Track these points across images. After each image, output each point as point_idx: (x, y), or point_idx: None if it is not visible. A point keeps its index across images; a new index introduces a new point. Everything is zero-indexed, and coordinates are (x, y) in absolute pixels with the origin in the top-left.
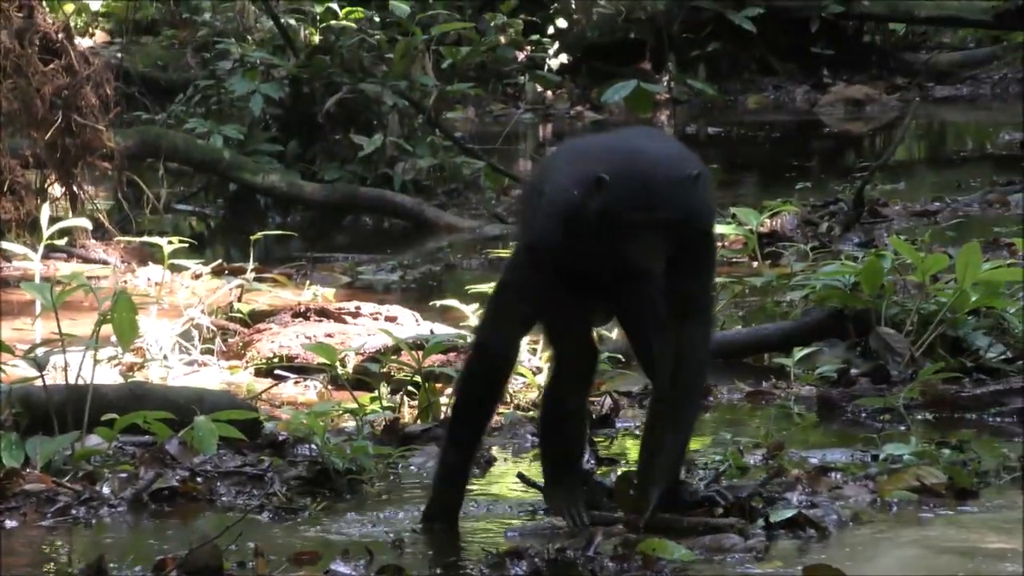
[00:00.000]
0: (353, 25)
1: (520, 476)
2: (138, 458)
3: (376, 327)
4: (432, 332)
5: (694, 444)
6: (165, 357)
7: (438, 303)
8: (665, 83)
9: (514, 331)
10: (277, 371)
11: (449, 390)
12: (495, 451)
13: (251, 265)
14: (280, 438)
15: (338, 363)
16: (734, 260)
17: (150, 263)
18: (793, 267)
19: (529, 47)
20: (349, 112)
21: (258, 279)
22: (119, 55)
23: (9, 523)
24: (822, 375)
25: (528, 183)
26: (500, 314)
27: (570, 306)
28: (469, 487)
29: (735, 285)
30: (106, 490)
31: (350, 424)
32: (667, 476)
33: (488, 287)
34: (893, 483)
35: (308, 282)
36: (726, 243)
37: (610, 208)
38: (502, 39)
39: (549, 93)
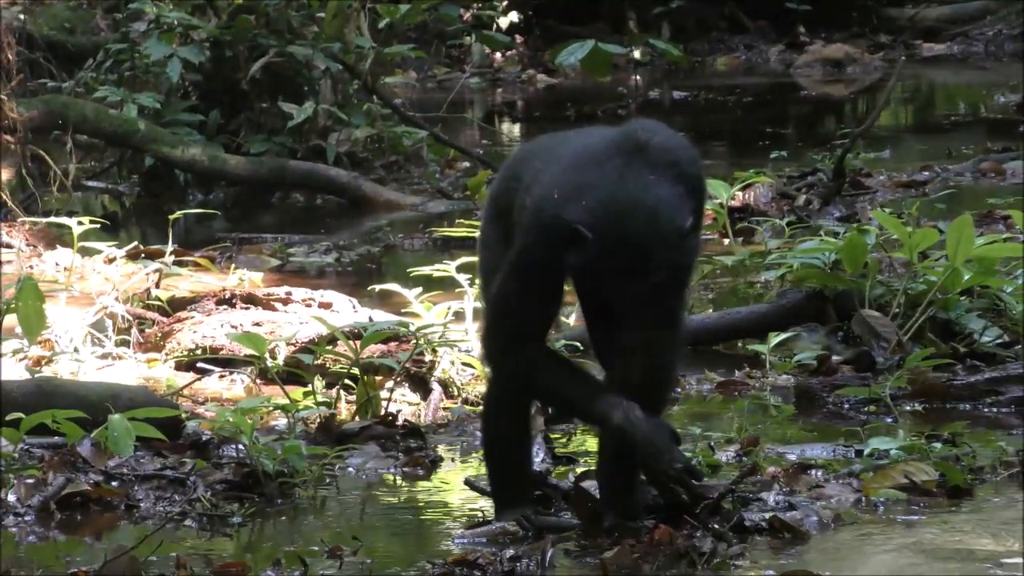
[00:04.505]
0: None
1: (467, 482)
2: (46, 461)
3: (309, 314)
4: (371, 320)
5: None
6: (76, 350)
7: (377, 288)
8: (625, 43)
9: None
10: (200, 364)
11: (390, 383)
12: (442, 450)
13: (170, 247)
14: (204, 438)
15: (267, 355)
16: (703, 237)
17: (58, 246)
18: (768, 244)
19: (476, 5)
20: (277, 78)
21: (178, 263)
22: (21, 17)
23: None
24: (800, 363)
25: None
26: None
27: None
28: (414, 490)
29: (705, 265)
30: (12, 497)
31: (281, 422)
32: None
33: (432, 269)
34: (879, 481)
35: (233, 266)
36: None
37: (590, 264)
38: None
39: (498, 55)
